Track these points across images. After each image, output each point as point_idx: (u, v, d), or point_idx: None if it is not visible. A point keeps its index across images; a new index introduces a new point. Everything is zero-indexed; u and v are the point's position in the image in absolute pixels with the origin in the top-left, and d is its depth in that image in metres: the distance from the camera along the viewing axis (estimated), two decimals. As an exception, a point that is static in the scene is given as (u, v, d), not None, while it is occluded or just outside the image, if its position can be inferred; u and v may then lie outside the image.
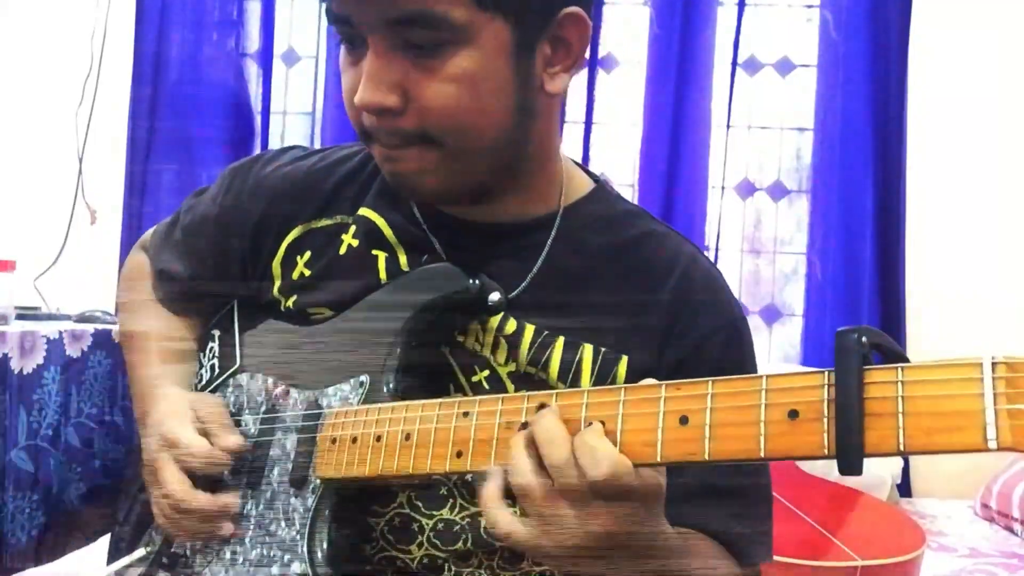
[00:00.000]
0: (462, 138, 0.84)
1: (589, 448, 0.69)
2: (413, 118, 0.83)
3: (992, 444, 0.52)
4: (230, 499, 0.93)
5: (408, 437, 0.81)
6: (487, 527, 0.75)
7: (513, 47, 0.84)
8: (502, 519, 0.73)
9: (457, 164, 0.86)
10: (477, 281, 0.89)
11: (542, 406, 0.73)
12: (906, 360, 0.59)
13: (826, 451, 0.59)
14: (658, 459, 0.67)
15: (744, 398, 0.64)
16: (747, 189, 3.15)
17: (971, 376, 0.54)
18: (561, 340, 0.92)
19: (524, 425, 0.73)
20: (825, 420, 0.60)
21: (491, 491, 0.74)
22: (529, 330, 0.92)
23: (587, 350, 0.92)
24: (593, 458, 0.68)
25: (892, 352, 0.60)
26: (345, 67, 0.87)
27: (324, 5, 0.85)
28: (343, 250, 0.98)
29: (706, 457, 0.65)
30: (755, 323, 3.13)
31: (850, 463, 0.56)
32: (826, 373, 0.60)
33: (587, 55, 0.88)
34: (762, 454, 0.62)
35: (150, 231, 1.19)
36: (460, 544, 0.91)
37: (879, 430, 0.57)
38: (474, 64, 0.82)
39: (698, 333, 0.93)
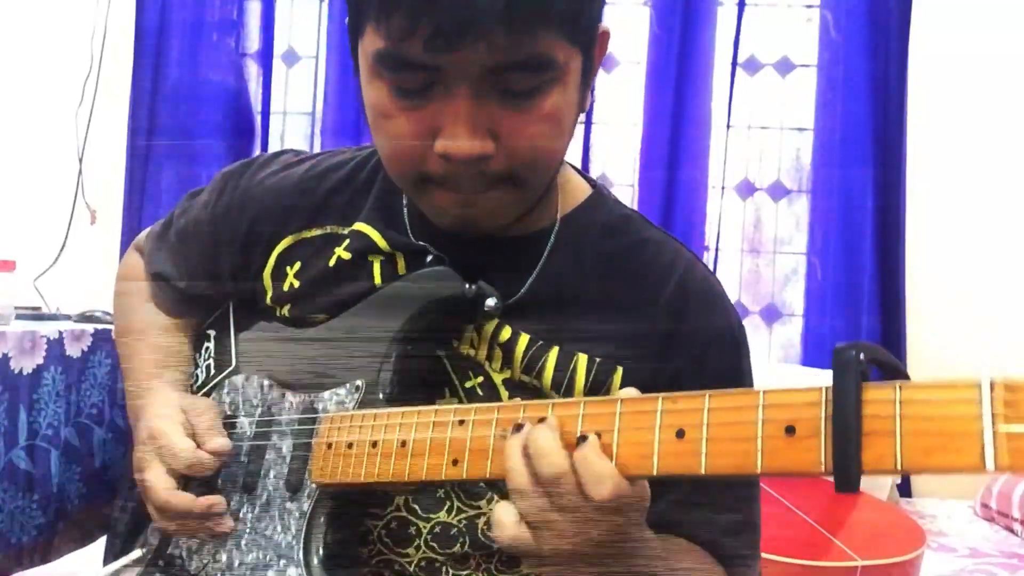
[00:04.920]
0: (543, 173, 0.85)
1: (592, 469, 0.68)
2: (502, 161, 0.80)
3: (990, 466, 0.52)
4: (214, 499, 0.92)
5: (404, 444, 0.81)
6: (491, 528, 0.74)
7: (582, 76, 0.83)
8: (508, 523, 0.72)
9: (529, 197, 0.86)
10: (473, 286, 0.89)
11: (541, 420, 0.72)
12: (905, 374, 0.59)
13: (823, 468, 0.58)
14: (654, 472, 0.67)
15: (741, 413, 0.63)
16: (747, 189, 3.15)
17: (969, 397, 0.54)
18: (555, 350, 0.91)
19: (519, 427, 0.73)
20: (822, 437, 0.59)
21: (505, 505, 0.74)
22: (524, 338, 0.92)
23: (581, 360, 0.91)
24: (596, 478, 0.68)
25: (891, 367, 0.60)
26: (394, 111, 0.81)
27: (383, 50, 0.78)
28: (333, 262, 0.97)
29: (702, 471, 0.64)
30: (755, 323, 3.13)
31: (847, 481, 0.56)
32: (823, 389, 0.60)
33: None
34: (758, 470, 0.61)
35: (144, 232, 1.18)
36: (457, 547, 0.91)
37: (876, 448, 0.56)
38: (563, 101, 0.81)
39: (696, 342, 0.93)
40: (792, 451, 0.61)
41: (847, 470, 0.56)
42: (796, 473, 0.60)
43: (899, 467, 0.55)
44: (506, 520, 0.72)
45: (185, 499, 0.92)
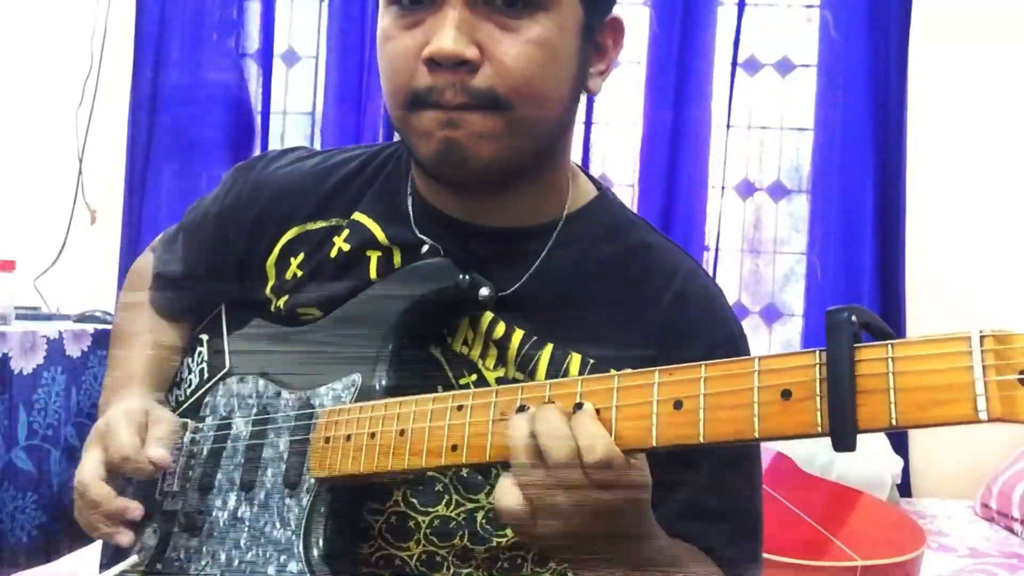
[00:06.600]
0: (529, 105, 0.85)
1: (585, 431, 0.69)
2: (487, 77, 0.83)
3: (983, 415, 0.53)
4: (132, 505, 0.93)
5: (403, 433, 0.81)
6: (493, 498, 0.74)
7: (581, 29, 0.87)
8: (509, 495, 0.72)
9: (516, 135, 0.86)
10: (467, 277, 0.89)
11: (548, 402, 0.73)
12: (896, 337, 0.60)
13: (819, 429, 0.59)
14: (653, 444, 0.68)
15: (737, 380, 0.64)
16: (747, 189, 3.15)
17: (960, 350, 0.55)
18: (549, 347, 0.91)
19: (522, 408, 0.73)
20: (818, 398, 0.60)
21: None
22: (518, 334, 0.92)
23: (575, 360, 0.91)
24: (589, 442, 0.69)
25: (881, 331, 0.61)
26: (395, 31, 0.86)
27: None
28: (334, 253, 0.98)
29: (701, 440, 0.65)
30: (755, 323, 3.13)
31: (844, 440, 0.57)
32: (818, 352, 0.61)
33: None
34: (756, 434, 0.62)
35: (161, 233, 1.20)
36: (457, 540, 0.91)
37: (871, 406, 0.57)
38: (551, 33, 0.84)
39: (695, 351, 0.92)
40: (789, 414, 0.61)
41: (843, 429, 0.57)
42: (793, 435, 0.61)
43: (894, 423, 0.56)
44: (506, 484, 0.73)
45: (103, 490, 0.93)
